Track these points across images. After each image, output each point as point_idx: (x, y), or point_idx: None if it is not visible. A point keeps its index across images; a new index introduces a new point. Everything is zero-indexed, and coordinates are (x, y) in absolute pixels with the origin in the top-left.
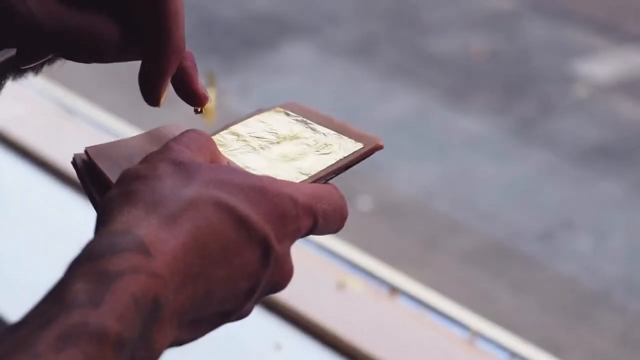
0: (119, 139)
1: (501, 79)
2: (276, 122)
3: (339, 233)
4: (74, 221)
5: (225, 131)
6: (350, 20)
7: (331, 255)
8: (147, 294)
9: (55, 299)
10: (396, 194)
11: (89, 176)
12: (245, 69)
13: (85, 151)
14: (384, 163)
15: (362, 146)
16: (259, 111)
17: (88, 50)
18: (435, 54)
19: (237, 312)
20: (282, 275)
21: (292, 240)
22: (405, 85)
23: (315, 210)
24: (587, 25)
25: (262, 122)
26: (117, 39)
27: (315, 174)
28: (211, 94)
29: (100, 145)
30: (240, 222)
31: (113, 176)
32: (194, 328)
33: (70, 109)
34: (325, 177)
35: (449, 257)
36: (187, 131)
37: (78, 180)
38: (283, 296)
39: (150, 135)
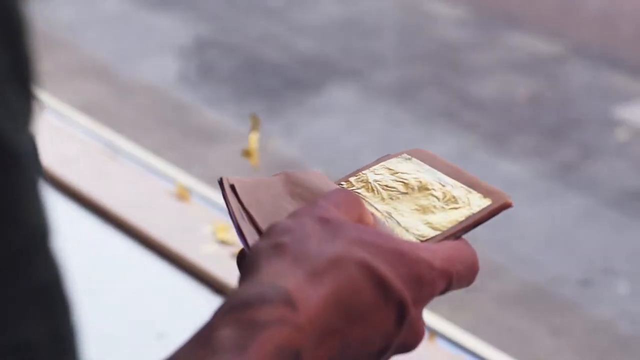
0: (259, 177)
1: (543, 123)
2: (404, 170)
3: None
4: (117, 259)
5: (354, 178)
6: (393, 62)
7: None
8: (290, 345)
9: (202, 344)
10: None
11: (233, 200)
12: (289, 110)
13: (232, 185)
14: None
15: (490, 203)
16: (386, 157)
17: None
18: (477, 97)
19: None
20: (414, 337)
21: (426, 303)
22: (447, 128)
23: (450, 273)
24: (629, 71)
25: (390, 169)
26: None
27: (446, 231)
28: (254, 136)
29: (245, 180)
30: (380, 283)
31: (256, 214)
32: None
33: (116, 149)
34: (455, 234)
35: (488, 300)
36: (337, 190)
37: (121, 219)
38: None
39: (288, 178)
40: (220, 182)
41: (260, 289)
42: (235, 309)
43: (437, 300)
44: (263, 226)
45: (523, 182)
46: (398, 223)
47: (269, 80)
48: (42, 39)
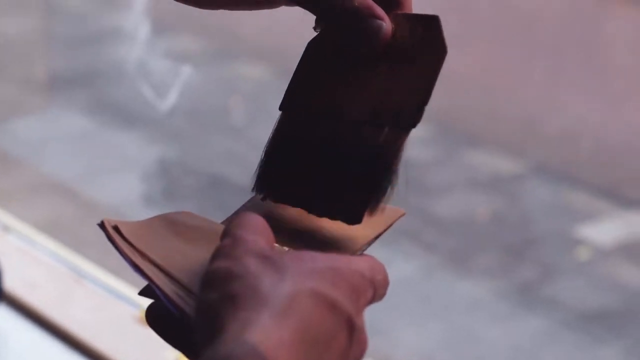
0: (136, 220)
1: (503, 242)
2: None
3: None
4: None
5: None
6: None
7: None
8: None
9: None
10: (398, 358)
11: (121, 242)
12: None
13: (115, 226)
14: (386, 326)
15: (385, 217)
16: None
17: None
18: (437, 216)
19: None
20: (362, 347)
21: (363, 312)
22: (408, 249)
23: (375, 282)
24: (589, 190)
25: (268, 205)
26: None
27: (349, 249)
28: None
29: (126, 222)
30: (332, 307)
31: (151, 253)
32: None
33: (80, 273)
34: (360, 249)
35: None
36: (245, 216)
37: (86, 345)
38: None
39: (165, 219)
40: (102, 225)
41: (226, 350)
42: None
43: None
44: (163, 263)
45: (484, 303)
46: None
47: (231, 197)
48: (3, 158)
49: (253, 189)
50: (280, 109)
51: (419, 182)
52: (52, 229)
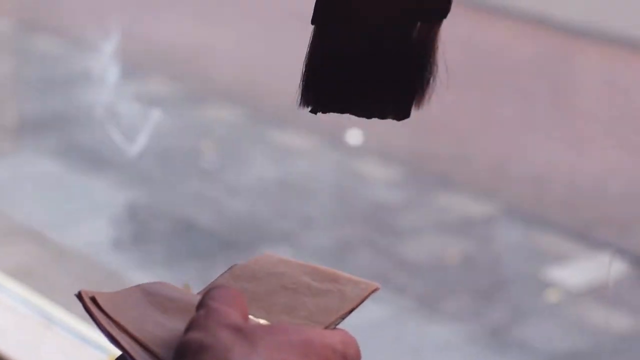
0: (115, 291)
1: (474, 285)
2: (261, 275)
3: None
4: None
5: None
6: (325, 224)
7: None
8: None
9: None
10: None
11: (97, 312)
12: (221, 272)
13: (92, 297)
14: None
15: (360, 291)
16: (235, 266)
17: None
18: (408, 259)
19: None
20: None
21: None
22: (379, 292)
23: (347, 356)
24: (559, 232)
25: (244, 278)
26: None
27: (323, 322)
28: None
29: (103, 293)
30: None
31: (126, 323)
32: None
33: (50, 318)
34: (334, 322)
35: None
36: (218, 288)
37: None
38: None
39: (143, 289)
40: (79, 296)
41: None
42: None
43: None
44: (138, 334)
45: (454, 346)
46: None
47: (202, 242)
48: None
49: (299, 104)
50: (312, 23)
51: (389, 225)
52: (21, 274)
